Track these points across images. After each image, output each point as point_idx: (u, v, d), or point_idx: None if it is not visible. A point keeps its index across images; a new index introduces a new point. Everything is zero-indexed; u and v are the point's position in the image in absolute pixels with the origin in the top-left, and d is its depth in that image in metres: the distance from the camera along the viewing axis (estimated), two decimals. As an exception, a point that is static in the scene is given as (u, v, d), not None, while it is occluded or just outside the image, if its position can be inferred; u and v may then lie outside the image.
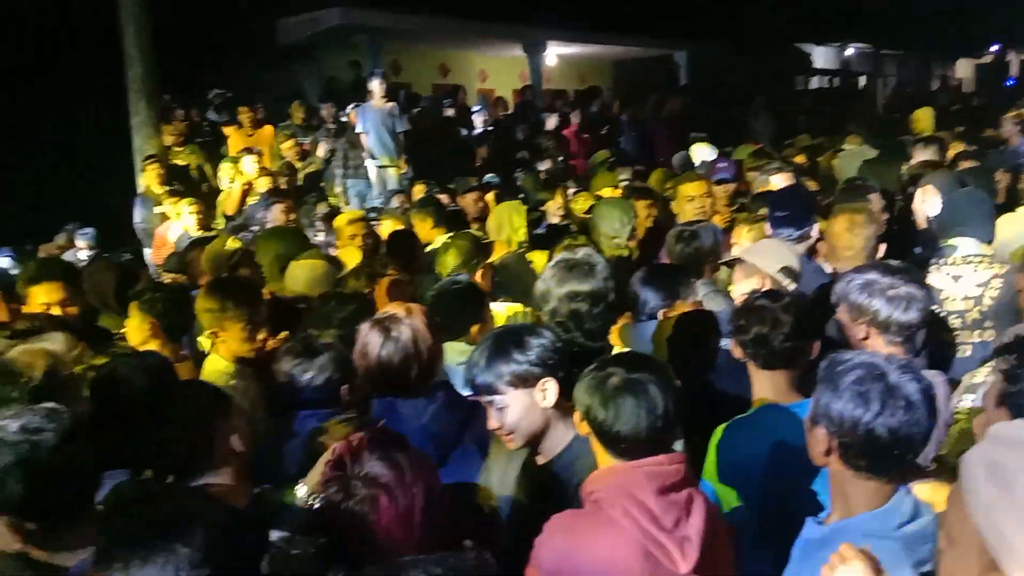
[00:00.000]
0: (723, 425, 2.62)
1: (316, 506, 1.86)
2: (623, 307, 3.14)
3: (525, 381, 2.29)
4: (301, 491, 2.22)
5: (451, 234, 4.97)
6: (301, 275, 4.14)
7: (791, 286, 3.41)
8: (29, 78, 10.55)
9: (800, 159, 7.37)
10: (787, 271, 3.49)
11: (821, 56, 23.14)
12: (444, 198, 6.95)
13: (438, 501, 1.83)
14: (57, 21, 10.69)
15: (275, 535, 1.88)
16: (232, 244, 4.32)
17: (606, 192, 6.55)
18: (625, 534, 1.91)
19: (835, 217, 3.91)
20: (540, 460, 2.38)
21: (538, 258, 4.82)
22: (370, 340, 2.60)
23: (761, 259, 3.55)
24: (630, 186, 6.48)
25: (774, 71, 18.57)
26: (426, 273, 4.62)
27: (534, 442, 2.35)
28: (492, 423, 2.34)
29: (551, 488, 2.30)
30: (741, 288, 3.52)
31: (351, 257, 4.89)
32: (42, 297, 3.48)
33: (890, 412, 1.77)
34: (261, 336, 3.08)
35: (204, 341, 3.50)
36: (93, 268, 4.38)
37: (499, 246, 5.03)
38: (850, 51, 23.94)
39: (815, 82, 22.43)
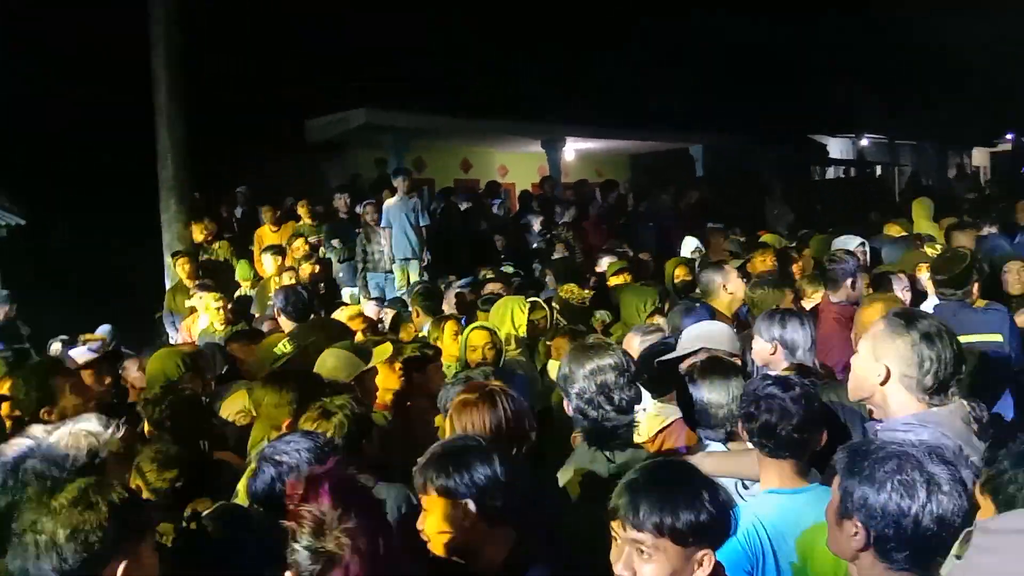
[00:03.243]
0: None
1: None
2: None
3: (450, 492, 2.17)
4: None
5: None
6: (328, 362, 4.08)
7: None
8: (66, 174, 10.99)
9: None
10: None
11: (836, 147, 23.48)
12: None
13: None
14: (93, 119, 11.17)
15: None
16: (284, 347, 4.45)
17: (619, 279, 7.08)
18: None
19: (868, 306, 4.04)
20: None
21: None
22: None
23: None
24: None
25: (791, 162, 18.88)
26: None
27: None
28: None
29: None
30: None
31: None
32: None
33: (935, 501, 1.75)
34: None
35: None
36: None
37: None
38: (864, 142, 24.27)
39: (831, 172, 22.71)
